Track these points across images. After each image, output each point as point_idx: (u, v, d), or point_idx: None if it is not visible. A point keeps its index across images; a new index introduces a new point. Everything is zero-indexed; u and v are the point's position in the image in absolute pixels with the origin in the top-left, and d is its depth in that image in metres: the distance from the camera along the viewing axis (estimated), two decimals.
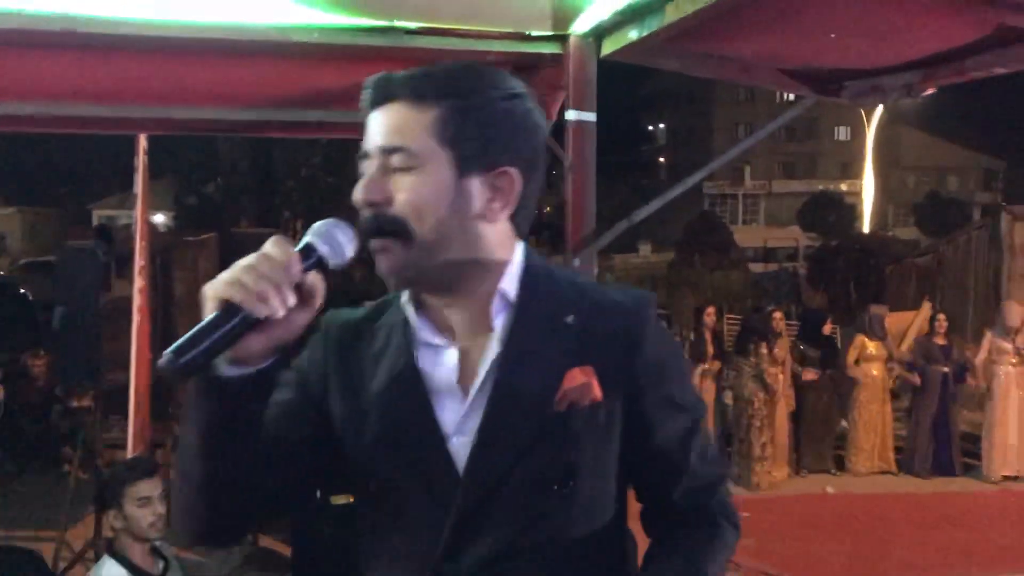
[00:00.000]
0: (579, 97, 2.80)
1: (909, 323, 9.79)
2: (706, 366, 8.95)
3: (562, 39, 2.76)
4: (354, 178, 1.29)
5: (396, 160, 1.23)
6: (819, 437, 9.25)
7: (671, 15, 2.40)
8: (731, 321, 10.27)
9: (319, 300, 1.20)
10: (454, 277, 1.28)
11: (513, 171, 1.27)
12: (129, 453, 5.26)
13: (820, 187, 38.67)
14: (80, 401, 8.58)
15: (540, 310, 1.30)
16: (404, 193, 1.23)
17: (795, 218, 35.27)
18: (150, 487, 3.15)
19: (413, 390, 1.30)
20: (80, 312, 5.65)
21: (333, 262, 1.20)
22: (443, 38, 2.69)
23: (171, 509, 1.34)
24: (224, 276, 1.13)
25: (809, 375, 9.14)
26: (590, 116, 2.82)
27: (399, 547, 1.32)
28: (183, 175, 13.90)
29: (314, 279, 1.18)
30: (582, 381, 1.27)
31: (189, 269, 10.08)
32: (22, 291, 13.84)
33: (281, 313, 1.13)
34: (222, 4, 2.66)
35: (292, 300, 1.14)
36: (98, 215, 36.86)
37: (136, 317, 5.18)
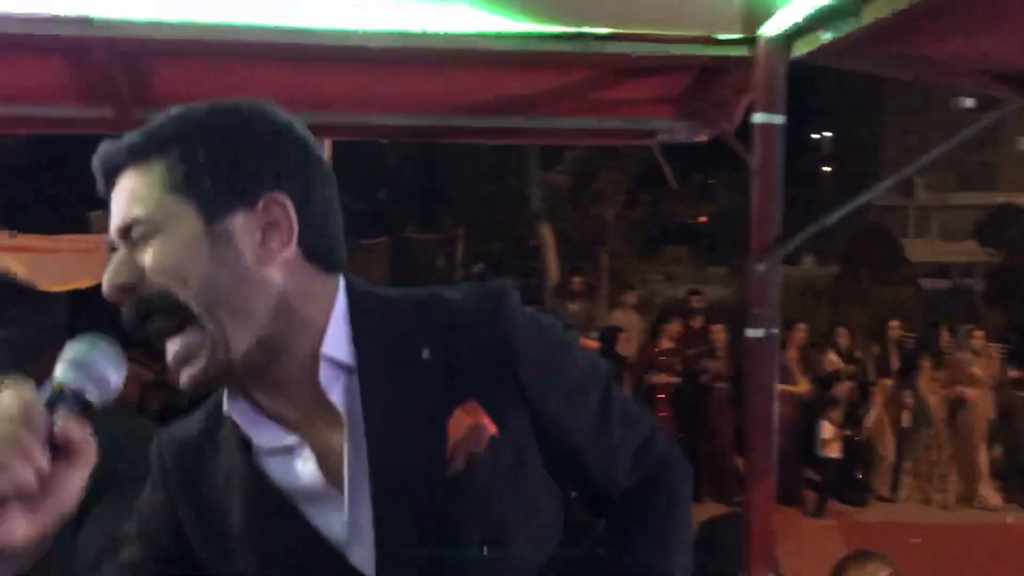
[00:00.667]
0: (767, 99, 2.76)
1: None
2: (888, 381, 8.68)
3: (751, 42, 2.73)
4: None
5: (136, 235, 1.04)
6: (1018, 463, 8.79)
7: (868, 16, 2.34)
8: (906, 337, 9.87)
9: (89, 453, 0.90)
10: (268, 358, 1.06)
11: (280, 195, 1.06)
12: None
13: (1000, 199, 36.34)
14: None
15: (385, 360, 1.09)
16: (154, 260, 1.03)
17: (971, 232, 33.30)
18: None
19: (280, 514, 1.10)
20: None
21: (97, 397, 0.95)
22: (631, 43, 2.71)
23: None
24: None
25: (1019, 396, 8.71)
26: (778, 119, 2.78)
27: None
28: (353, 183, 14.55)
29: (74, 429, 0.89)
30: (469, 423, 1.08)
31: (364, 272, 10.48)
32: None
33: (34, 483, 0.85)
34: (413, 14, 2.77)
35: (45, 463, 0.86)
36: None
37: None
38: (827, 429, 8.29)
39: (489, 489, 1.09)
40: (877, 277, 20.70)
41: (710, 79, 3.04)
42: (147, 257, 1.03)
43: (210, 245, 1.03)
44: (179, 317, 1.03)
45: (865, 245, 23.23)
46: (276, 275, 1.05)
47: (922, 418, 8.57)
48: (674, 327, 9.04)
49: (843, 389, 8.72)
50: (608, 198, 14.92)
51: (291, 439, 1.09)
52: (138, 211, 1.03)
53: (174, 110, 1.09)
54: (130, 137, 1.07)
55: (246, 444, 1.11)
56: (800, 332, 8.98)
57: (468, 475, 1.07)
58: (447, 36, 2.77)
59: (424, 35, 2.78)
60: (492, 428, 1.08)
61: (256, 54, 2.90)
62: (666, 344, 8.90)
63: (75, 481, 0.89)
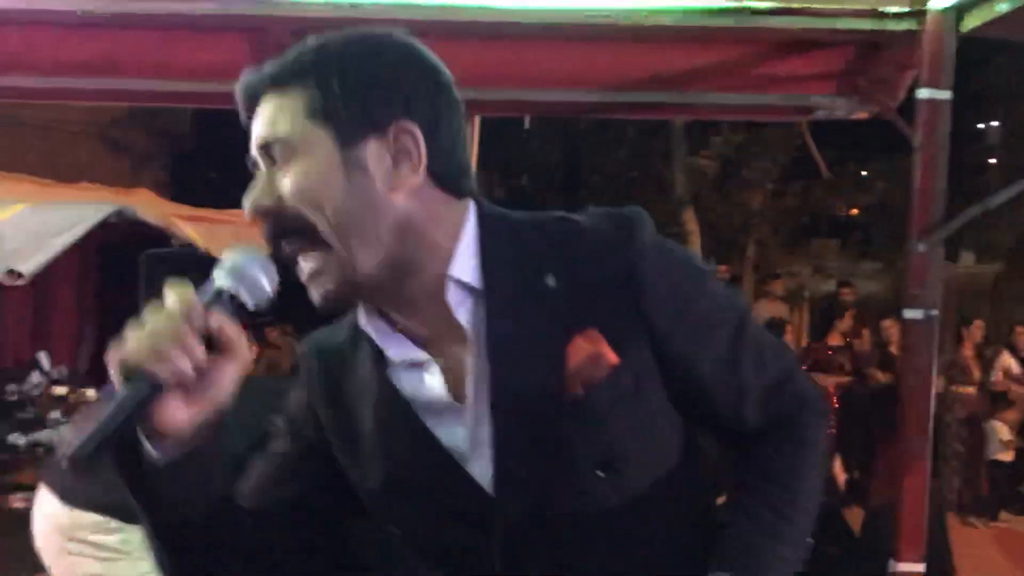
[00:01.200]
0: (934, 74, 2.68)
1: None
2: None
3: (919, 15, 2.66)
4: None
5: (275, 154, 1.09)
6: None
7: None
8: None
9: (242, 350, 1.01)
10: (396, 279, 1.10)
11: (409, 124, 1.08)
12: None
13: None
14: None
15: (512, 284, 1.11)
16: (292, 185, 1.07)
17: None
18: None
19: (407, 424, 1.15)
20: None
21: (251, 302, 1.04)
22: (793, 17, 2.69)
23: None
24: (126, 338, 0.98)
25: None
26: (944, 94, 2.69)
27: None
28: (495, 168, 14.75)
29: (227, 326, 1.00)
30: (590, 352, 1.09)
31: None
32: None
33: (191, 372, 0.96)
34: None
35: (201, 354, 0.98)
36: None
37: None
38: (1002, 431, 7.88)
39: (606, 416, 1.10)
40: None
41: (873, 54, 2.96)
42: (286, 181, 1.07)
43: (344, 172, 1.06)
44: (311, 238, 1.07)
45: None
46: (404, 200, 1.08)
47: None
48: (845, 323, 8.71)
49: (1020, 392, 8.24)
50: (756, 186, 14.52)
51: (421, 354, 1.13)
52: (280, 131, 1.08)
53: (311, 40, 1.11)
54: (270, 66, 1.11)
55: (380, 356, 1.16)
56: (977, 329, 8.52)
57: (585, 401, 1.09)
58: (611, 12, 2.82)
59: (588, 12, 2.83)
60: (612, 357, 1.09)
61: (418, 32, 3.02)
62: (836, 341, 8.57)
63: (229, 375, 1.01)
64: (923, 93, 2.69)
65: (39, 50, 3.10)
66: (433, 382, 1.13)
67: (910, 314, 2.77)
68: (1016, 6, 2.37)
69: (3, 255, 4.25)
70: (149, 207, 5.93)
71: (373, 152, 1.07)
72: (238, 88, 1.12)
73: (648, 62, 3.08)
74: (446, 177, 1.10)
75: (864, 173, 18.60)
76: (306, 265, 1.09)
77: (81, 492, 2.73)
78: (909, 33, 2.70)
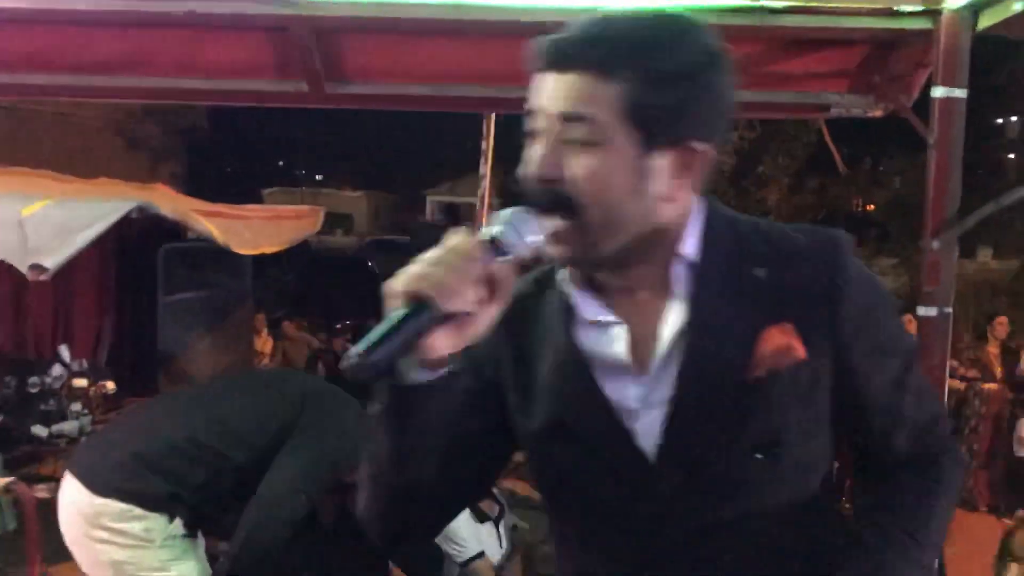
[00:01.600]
0: (949, 73, 2.69)
1: None
2: None
3: (934, 14, 2.68)
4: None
5: (576, 132, 1.12)
6: None
7: None
8: None
9: (507, 292, 1.11)
10: (629, 256, 1.18)
11: (703, 146, 1.14)
12: None
13: None
14: None
15: (726, 267, 1.19)
16: (584, 171, 1.12)
17: None
18: None
19: (581, 374, 1.21)
20: None
21: (518, 253, 1.12)
22: (809, 16, 2.71)
23: (361, 511, 1.27)
24: (412, 270, 1.05)
25: None
26: (960, 93, 2.71)
27: (588, 538, 1.27)
28: (507, 161, 14.72)
29: (503, 270, 1.10)
30: (782, 342, 1.17)
31: None
32: (369, 265, 15.42)
33: (471, 307, 1.07)
34: None
35: (481, 293, 1.08)
36: (431, 200, 39.98)
37: None
38: None
39: (778, 403, 1.17)
40: None
41: (888, 52, 2.98)
42: (580, 164, 1.12)
43: (635, 176, 1.12)
44: (575, 217, 1.13)
45: None
46: (671, 208, 1.16)
47: None
48: None
49: None
50: (773, 182, 14.51)
51: (611, 317, 1.21)
52: (593, 113, 1.11)
53: (648, 25, 1.13)
54: (599, 41, 1.11)
55: (569, 313, 1.23)
56: (1000, 326, 8.45)
57: (765, 384, 1.16)
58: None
59: (596, 10, 2.85)
60: (801, 352, 1.17)
61: (436, 31, 3.06)
62: None
63: (491, 314, 1.11)
64: (938, 91, 2.71)
65: (65, 48, 3.16)
66: (618, 344, 1.20)
67: (924, 311, 2.79)
68: None
69: (28, 250, 4.32)
70: (167, 202, 6.00)
71: (661, 164, 1.13)
72: (551, 41, 1.14)
73: None
74: (702, 184, 1.19)
75: (881, 169, 18.52)
76: (552, 225, 1.14)
77: (106, 480, 2.79)
78: (924, 32, 2.71)
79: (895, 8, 2.67)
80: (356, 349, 1.02)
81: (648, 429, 1.19)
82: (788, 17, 2.72)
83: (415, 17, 2.88)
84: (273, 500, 2.83)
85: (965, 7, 2.64)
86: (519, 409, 1.26)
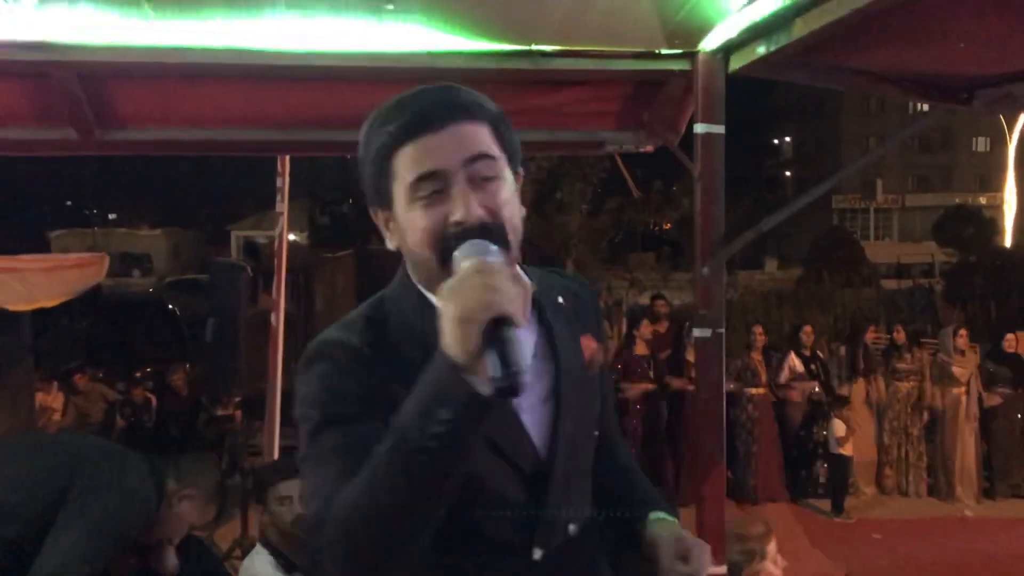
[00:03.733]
0: (707, 111, 2.89)
1: None
2: (863, 381, 8.86)
3: (691, 56, 2.87)
4: None
5: (482, 168, 1.32)
6: (1007, 460, 8.97)
7: (799, 30, 2.47)
8: (876, 339, 10.05)
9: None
10: None
11: (522, 170, 1.46)
12: (268, 457, 5.59)
13: (957, 201, 37.04)
14: (225, 409, 9.10)
15: (546, 297, 1.50)
16: (501, 203, 1.33)
17: (930, 233, 33.94)
18: (291, 487, 3.39)
19: None
20: (230, 323, 6.02)
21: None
22: (577, 59, 2.84)
23: (346, 550, 1.24)
24: (492, 294, 1.16)
25: (994, 398, 8.88)
26: (718, 129, 2.91)
27: (479, 535, 1.40)
28: (318, 197, 14.54)
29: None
30: (594, 346, 1.53)
31: (328, 284, 10.55)
32: (169, 307, 14.73)
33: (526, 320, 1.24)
34: (368, 33, 2.86)
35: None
36: (236, 236, 38.71)
37: (275, 329, 5.51)
38: (840, 428, 8.44)
39: (602, 390, 1.57)
40: (839, 279, 21.03)
41: (654, 92, 3.17)
42: (495, 197, 1.33)
43: (516, 197, 1.39)
44: (505, 246, 1.31)
45: (827, 248, 23.61)
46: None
47: (901, 416, 8.78)
48: (645, 330, 9.11)
49: (805, 389, 8.89)
50: (572, 207, 15.06)
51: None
52: (490, 151, 1.35)
53: (464, 90, 1.37)
54: (459, 98, 1.35)
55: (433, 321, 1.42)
56: (759, 335, 9.11)
57: (595, 377, 1.54)
58: (401, 55, 2.87)
59: (377, 55, 2.87)
60: (601, 353, 1.55)
61: (212, 74, 2.99)
62: (641, 350, 8.95)
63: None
64: (699, 128, 2.90)
65: None
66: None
67: (699, 333, 2.97)
68: (772, 50, 2.60)
69: None
70: None
71: (516, 184, 1.41)
72: (426, 102, 1.33)
73: None
74: None
75: (674, 189, 19.58)
76: (491, 259, 1.26)
77: None
78: (684, 72, 2.90)
79: (656, 51, 2.84)
80: (499, 371, 1.14)
81: (535, 423, 1.43)
82: (559, 60, 2.84)
83: (183, 62, 2.80)
84: (57, 571, 2.64)
85: (718, 50, 2.84)
86: None
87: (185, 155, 3.64)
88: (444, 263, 1.29)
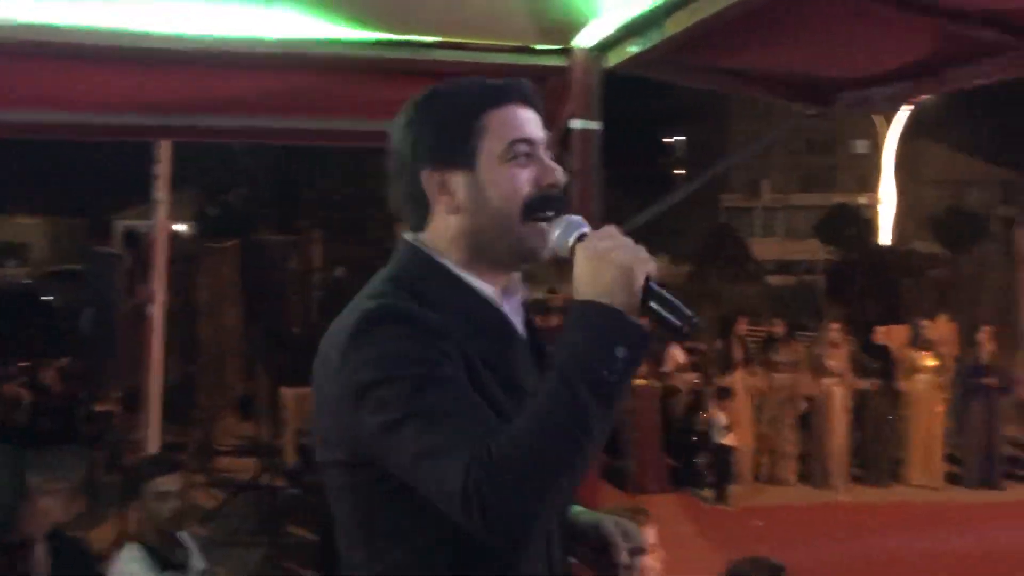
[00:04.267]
0: (583, 107, 2.94)
1: (905, 336, 9.81)
2: (742, 373, 9.14)
3: (567, 52, 2.91)
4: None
5: (544, 151, 1.45)
6: (875, 448, 9.38)
7: (670, 29, 2.54)
8: (752, 333, 10.40)
9: None
10: None
11: None
12: (148, 451, 5.44)
13: (838, 200, 38.59)
14: (104, 404, 8.79)
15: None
16: (559, 170, 1.46)
17: (813, 231, 35.29)
18: (170, 482, 3.31)
19: (526, 352, 1.47)
20: (106, 315, 5.84)
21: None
22: (456, 51, 2.85)
23: (528, 506, 1.21)
24: (643, 252, 1.31)
25: (867, 386, 9.28)
26: (595, 125, 2.96)
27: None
28: (205, 186, 14.21)
29: None
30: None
31: (212, 275, 10.28)
32: (44, 298, 14.14)
33: None
34: (248, 19, 2.82)
35: None
36: (120, 224, 37.37)
37: (153, 322, 5.36)
38: (722, 418, 8.69)
39: None
40: (726, 275, 21.68)
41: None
42: (559, 167, 1.44)
43: None
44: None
45: (714, 245, 24.29)
46: None
47: (778, 406, 9.11)
48: (540, 323, 9.24)
49: (687, 380, 9.17)
50: None
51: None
52: (544, 136, 1.45)
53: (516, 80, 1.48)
54: (528, 87, 1.47)
55: (488, 303, 1.47)
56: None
57: None
58: (282, 42, 2.84)
59: (258, 41, 2.83)
60: None
61: (90, 56, 2.89)
62: None
63: None
64: (576, 124, 2.95)
65: None
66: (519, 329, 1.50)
67: None
68: (644, 48, 2.67)
69: None
70: None
71: None
72: (512, 82, 1.46)
73: (323, 90, 3.14)
74: None
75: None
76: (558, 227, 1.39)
77: None
78: (560, 68, 2.94)
79: (532, 46, 2.87)
80: (674, 316, 1.30)
81: None
82: (437, 51, 2.85)
83: (59, 41, 2.70)
84: None
85: (594, 47, 2.89)
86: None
87: (59, 139, 3.49)
88: (526, 219, 1.40)
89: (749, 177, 48.39)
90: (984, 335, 9.24)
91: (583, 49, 2.88)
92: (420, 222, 1.45)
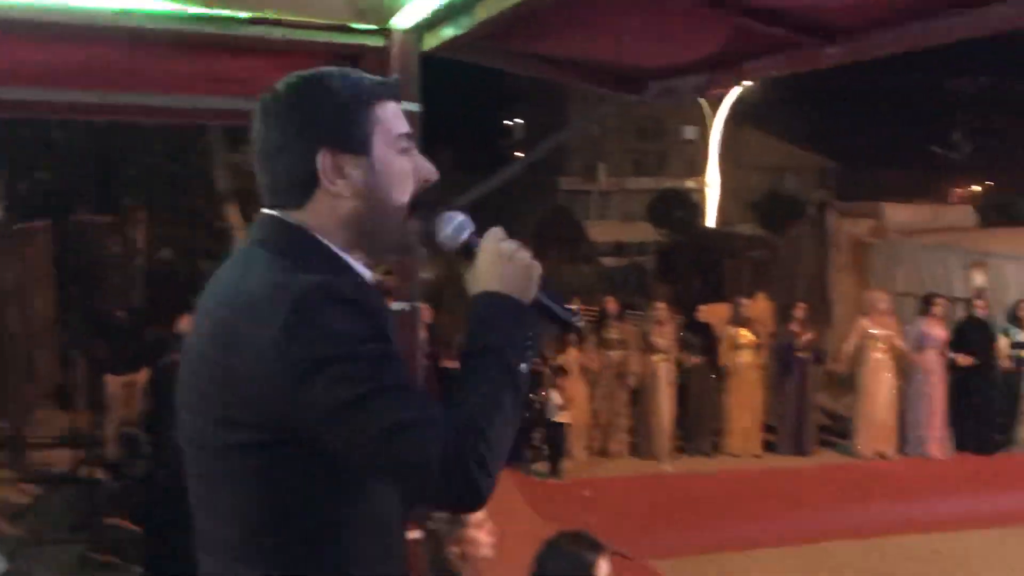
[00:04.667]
0: (403, 88, 2.93)
1: (725, 313, 10.35)
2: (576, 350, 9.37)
3: (385, 32, 2.90)
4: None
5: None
6: (699, 421, 9.80)
7: (481, 14, 2.58)
8: (586, 313, 10.70)
9: None
10: None
11: None
12: None
13: (668, 184, 40.07)
14: None
15: None
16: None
17: (645, 214, 36.51)
18: None
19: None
20: None
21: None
22: (272, 27, 2.79)
23: (494, 471, 1.31)
24: (531, 260, 1.45)
25: (691, 362, 9.66)
26: (414, 107, 2.97)
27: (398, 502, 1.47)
28: (15, 162, 13.27)
29: None
30: None
31: (18, 257, 9.64)
32: None
33: None
34: None
35: None
36: None
37: None
38: (556, 397, 8.85)
39: None
40: (562, 256, 22.15)
41: (351, 67, 3.17)
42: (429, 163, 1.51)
43: None
44: None
45: (550, 227, 24.77)
46: None
47: (610, 383, 9.41)
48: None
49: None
50: None
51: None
52: None
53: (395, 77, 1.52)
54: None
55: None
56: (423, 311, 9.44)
57: None
58: (85, 12, 2.70)
59: (58, 9, 2.69)
60: None
61: None
62: None
63: None
64: None
65: None
66: None
67: (397, 306, 3.04)
68: (459, 32, 2.69)
69: None
70: None
71: None
72: (397, 82, 1.60)
73: (134, 63, 3.01)
74: None
75: None
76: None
77: None
78: (379, 49, 2.93)
79: (350, 25, 2.85)
80: (565, 312, 1.49)
81: None
82: (252, 27, 2.78)
83: None
84: None
85: (411, 29, 2.90)
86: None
87: None
88: (411, 213, 1.45)
89: (586, 162, 49.54)
90: (800, 311, 9.84)
91: (400, 30, 2.88)
92: (296, 202, 1.43)
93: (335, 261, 1.42)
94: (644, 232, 34.74)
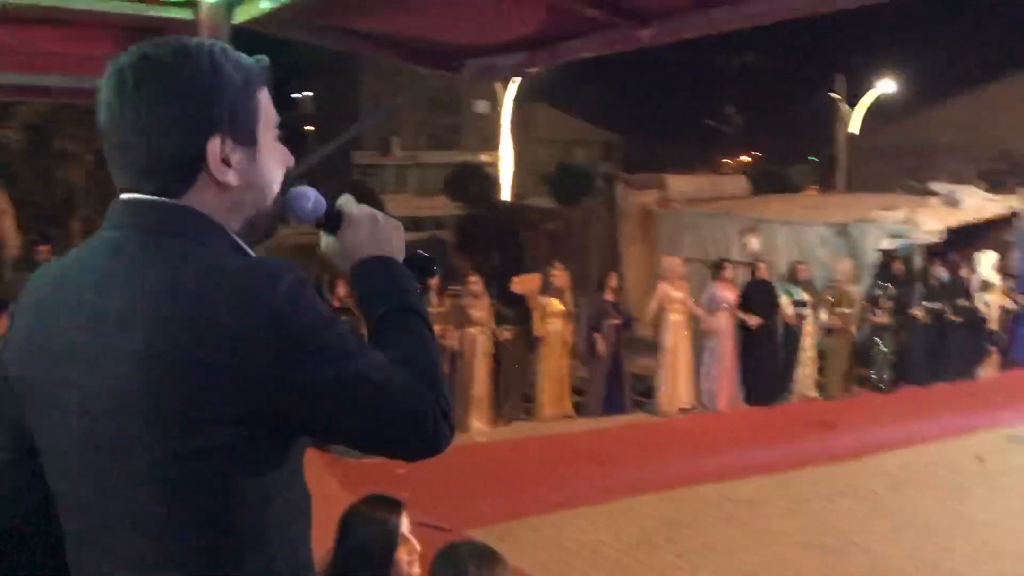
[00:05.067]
0: None
1: (537, 284, 10.67)
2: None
3: (193, 5, 2.77)
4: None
5: None
6: (513, 388, 10.00)
7: None
8: None
9: None
10: None
11: None
12: None
13: (463, 158, 40.43)
14: None
15: None
16: None
17: (442, 188, 36.73)
18: None
19: None
20: None
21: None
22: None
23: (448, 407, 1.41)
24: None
25: (506, 333, 9.79)
26: None
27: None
28: None
29: None
30: None
31: None
32: None
33: None
34: None
35: None
36: None
37: None
38: None
39: None
40: None
41: (156, 39, 3.00)
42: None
43: None
44: None
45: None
46: None
47: None
48: (342, 290, 9.04)
49: None
50: (75, 159, 13.61)
51: None
52: None
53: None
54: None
55: None
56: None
57: None
58: None
59: None
60: None
61: None
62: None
63: None
64: None
65: None
66: None
67: None
68: (277, 6, 2.61)
69: None
70: None
71: None
72: (268, 65, 1.45)
73: None
74: None
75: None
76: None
77: None
78: (188, 22, 2.79)
79: None
80: (429, 256, 1.63)
81: None
82: None
83: None
84: None
85: (221, 2, 2.77)
86: None
87: None
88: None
89: (380, 135, 49.07)
90: (612, 280, 10.30)
91: (210, 3, 2.75)
92: (175, 186, 1.32)
93: (237, 245, 1.37)
94: (441, 205, 34.92)
